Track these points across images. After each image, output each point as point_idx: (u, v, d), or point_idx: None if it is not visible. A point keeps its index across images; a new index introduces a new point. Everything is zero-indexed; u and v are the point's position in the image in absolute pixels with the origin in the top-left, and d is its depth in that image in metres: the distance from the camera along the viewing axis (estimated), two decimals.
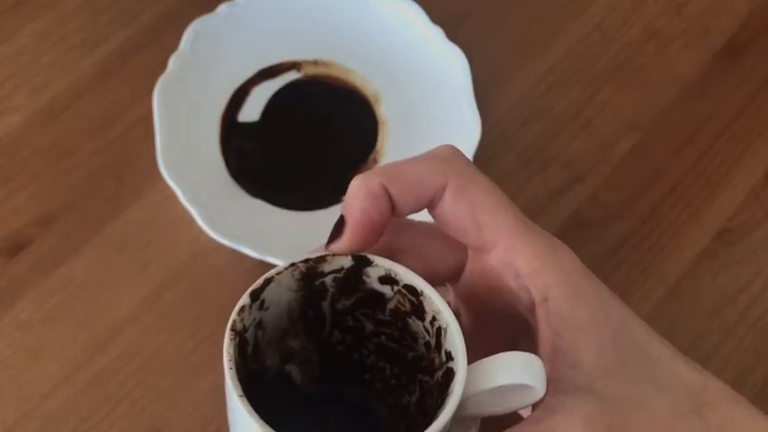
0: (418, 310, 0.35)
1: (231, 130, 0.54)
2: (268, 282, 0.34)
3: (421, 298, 0.34)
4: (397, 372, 0.38)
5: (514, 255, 0.34)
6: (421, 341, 0.36)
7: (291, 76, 0.56)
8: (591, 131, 0.55)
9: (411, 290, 0.34)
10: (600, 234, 0.52)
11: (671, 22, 0.60)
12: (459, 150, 0.35)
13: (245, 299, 0.33)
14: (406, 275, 0.34)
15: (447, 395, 0.32)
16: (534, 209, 0.52)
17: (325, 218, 0.51)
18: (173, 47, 0.54)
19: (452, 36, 0.55)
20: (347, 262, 0.34)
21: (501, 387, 0.32)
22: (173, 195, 0.50)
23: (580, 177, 0.54)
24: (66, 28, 0.57)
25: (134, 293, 0.49)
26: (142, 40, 0.57)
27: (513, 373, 0.32)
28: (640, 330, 0.35)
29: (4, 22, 0.57)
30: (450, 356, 0.33)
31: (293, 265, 0.34)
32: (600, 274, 0.50)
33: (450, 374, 0.33)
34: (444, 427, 0.31)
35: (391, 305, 0.35)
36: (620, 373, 0.33)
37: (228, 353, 0.32)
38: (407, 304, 0.35)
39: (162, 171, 0.50)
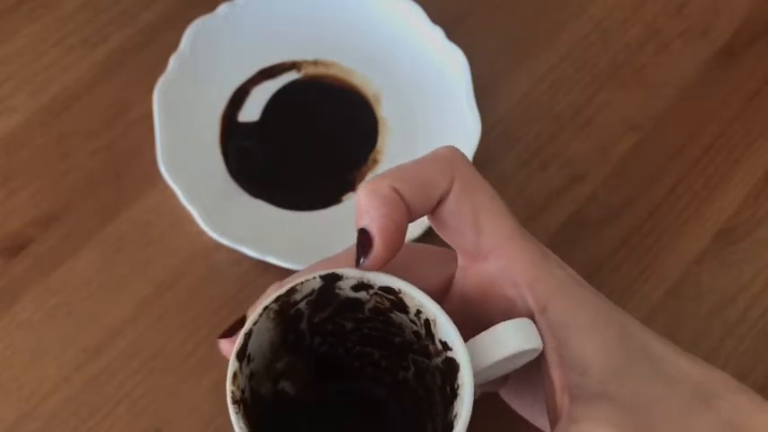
0: (399, 305, 0.34)
1: (231, 130, 0.54)
2: (248, 336, 0.33)
3: (400, 295, 0.34)
4: (386, 353, 0.38)
5: (512, 261, 0.34)
6: (408, 330, 0.35)
7: (291, 76, 0.56)
8: (591, 131, 0.55)
9: (387, 290, 0.34)
10: (600, 234, 0.52)
11: (671, 22, 0.60)
12: (460, 151, 0.35)
13: (233, 364, 0.33)
14: (379, 278, 0.34)
15: (458, 387, 0.32)
16: (534, 209, 0.52)
17: (326, 218, 0.51)
18: (173, 47, 0.54)
19: (452, 36, 0.55)
20: (317, 284, 0.34)
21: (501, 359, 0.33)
22: (173, 195, 0.50)
23: (580, 177, 0.54)
24: (67, 28, 0.57)
25: (134, 293, 0.49)
26: (142, 40, 0.57)
27: (511, 344, 0.33)
28: (640, 331, 0.35)
29: (4, 22, 0.57)
30: (446, 346, 0.33)
31: (266, 308, 0.34)
32: (600, 274, 0.51)
33: (451, 363, 0.33)
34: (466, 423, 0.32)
35: (369, 305, 0.35)
36: (630, 376, 0.33)
37: (241, 428, 0.32)
38: (386, 302, 0.34)
39: (162, 171, 0.50)
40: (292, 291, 0.34)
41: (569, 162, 0.54)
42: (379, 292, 0.34)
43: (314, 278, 0.34)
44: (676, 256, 0.51)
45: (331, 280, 0.34)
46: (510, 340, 0.33)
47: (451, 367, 0.33)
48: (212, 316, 0.49)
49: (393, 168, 0.34)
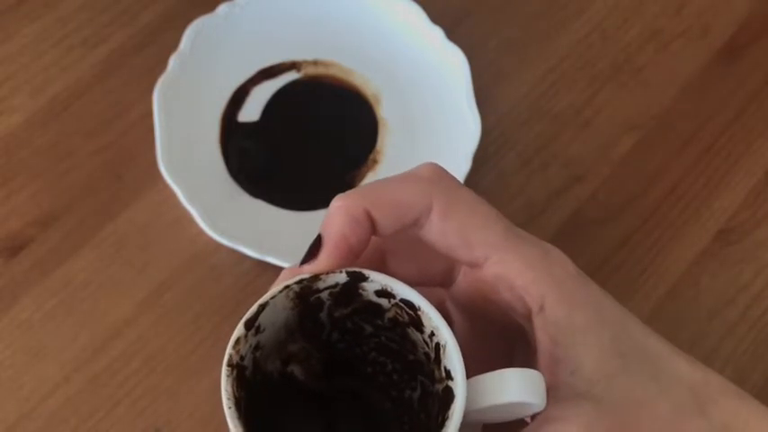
0: (416, 322, 0.34)
1: (231, 130, 0.54)
2: (262, 308, 0.33)
3: (419, 312, 0.34)
4: (399, 367, 0.38)
5: (506, 268, 0.34)
6: (421, 350, 0.35)
7: (291, 76, 0.56)
8: (591, 131, 0.55)
9: (408, 304, 0.34)
10: (600, 234, 0.52)
11: (671, 22, 0.60)
12: (442, 168, 0.35)
13: (239, 330, 0.33)
14: (403, 290, 0.34)
15: (446, 419, 0.32)
16: (534, 209, 0.52)
17: None
18: (173, 47, 0.54)
19: (452, 36, 0.55)
20: (342, 278, 0.34)
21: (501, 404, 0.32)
22: (173, 195, 0.50)
23: (580, 177, 0.54)
24: (67, 28, 0.57)
25: (134, 293, 0.49)
26: (142, 40, 0.57)
27: (513, 393, 0.32)
28: (638, 330, 0.35)
29: (4, 22, 0.57)
30: (449, 375, 0.33)
31: (287, 287, 0.34)
32: (600, 274, 0.51)
33: (449, 393, 0.33)
34: None
35: (389, 315, 0.35)
36: (621, 376, 0.33)
37: (227, 390, 0.31)
38: (405, 316, 0.35)
39: (162, 171, 0.50)
40: (316, 278, 0.34)
41: (569, 162, 0.54)
42: (400, 303, 0.34)
43: (340, 272, 0.34)
44: (676, 256, 0.51)
45: (356, 278, 0.34)
46: (512, 388, 0.32)
47: (447, 397, 0.33)
48: (212, 316, 0.49)
49: (370, 186, 0.34)
